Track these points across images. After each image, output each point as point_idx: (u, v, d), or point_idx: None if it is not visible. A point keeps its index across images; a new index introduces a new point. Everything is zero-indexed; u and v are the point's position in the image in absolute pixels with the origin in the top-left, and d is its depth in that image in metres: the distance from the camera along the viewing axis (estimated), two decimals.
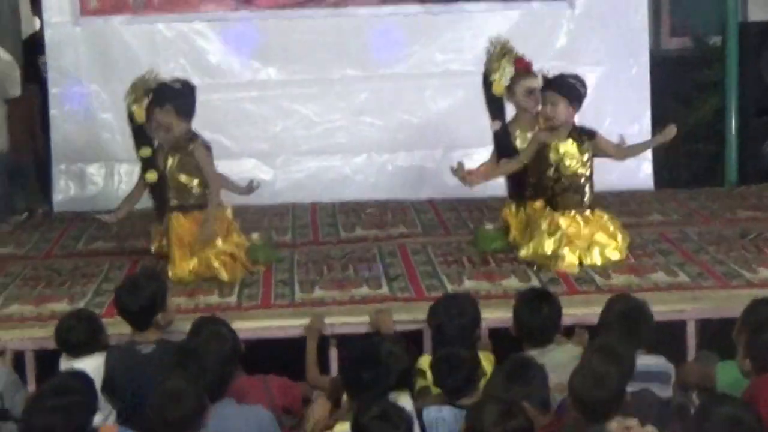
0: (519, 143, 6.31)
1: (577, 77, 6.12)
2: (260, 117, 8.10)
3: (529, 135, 6.25)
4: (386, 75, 8.11)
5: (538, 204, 6.14)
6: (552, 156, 6.02)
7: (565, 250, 5.92)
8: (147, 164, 6.18)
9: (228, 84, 7.93)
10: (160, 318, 4.87)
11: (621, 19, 8.13)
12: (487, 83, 6.32)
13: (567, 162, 6.02)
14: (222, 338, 4.56)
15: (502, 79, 6.24)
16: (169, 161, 6.06)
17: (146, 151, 6.15)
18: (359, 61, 8.10)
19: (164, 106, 5.94)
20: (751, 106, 8.44)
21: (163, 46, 8.08)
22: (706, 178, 8.59)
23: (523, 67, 6.23)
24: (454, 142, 8.07)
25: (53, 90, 8.09)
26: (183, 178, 6.04)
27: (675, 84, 8.91)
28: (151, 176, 6.18)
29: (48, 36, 8.06)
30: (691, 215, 7.17)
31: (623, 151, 6.21)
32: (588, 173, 6.07)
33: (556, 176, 6.04)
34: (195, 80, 6.42)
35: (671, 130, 5.96)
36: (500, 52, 6.30)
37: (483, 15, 8.07)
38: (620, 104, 7.75)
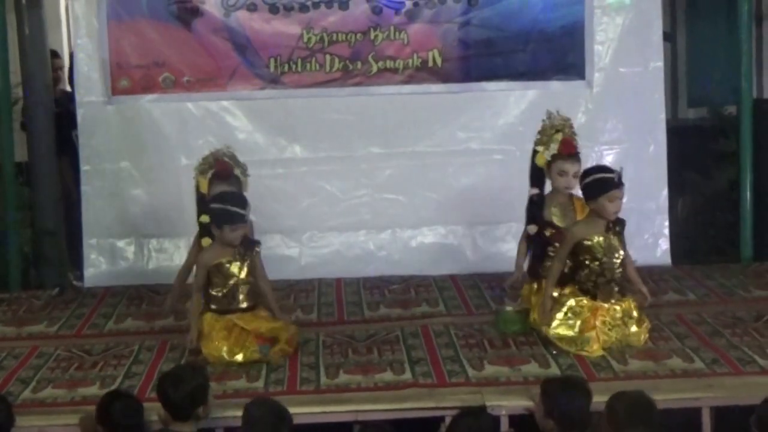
0: (550, 216, 6.47)
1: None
2: (286, 193, 8.24)
3: (556, 210, 6.44)
4: (409, 153, 8.23)
5: (569, 290, 6.22)
6: (596, 251, 6.07)
7: (592, 334, 6.03)
8: (204, 230, 6.34)
9: (254, 161, 7.91)
10: (200, 411, 5.05)
11: (638, 98, 8.20)
12: (534, 152, 6.50)
13: (613, 257, 6.08)
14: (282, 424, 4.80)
15: (545, 153, 6.41)
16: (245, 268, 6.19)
17: (205, 218, 6.28)
18: (383, 139, 8.25)
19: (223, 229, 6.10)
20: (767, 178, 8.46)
21: (192, 123, 8.25)
22: (725, 247, 8.67)
23: (565, 150, 6.37)
24: (475, 219, 8.23)
25: (85, 167, 8.26)
26: (251, 280, 6.23)
27: (693, 153, 9.03)
28: (206, 242, 6.35)
29: (80, 115, 8.24)
30: (708, 295, 7.25)
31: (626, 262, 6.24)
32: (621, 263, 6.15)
33: (599, 270, 6.09)
34: None
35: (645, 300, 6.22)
36: (553, 127, 6.48)
37: (502, 94, 8.20)
38: (638, 182, 7.78)
